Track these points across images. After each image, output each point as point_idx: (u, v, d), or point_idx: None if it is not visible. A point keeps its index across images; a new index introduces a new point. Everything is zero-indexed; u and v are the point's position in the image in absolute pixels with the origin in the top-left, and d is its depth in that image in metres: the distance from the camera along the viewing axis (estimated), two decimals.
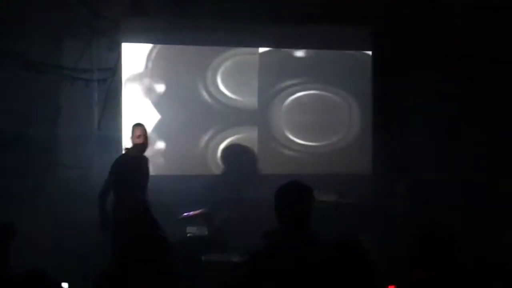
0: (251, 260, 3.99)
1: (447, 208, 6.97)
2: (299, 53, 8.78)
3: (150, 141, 7.06)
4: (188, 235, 7.13)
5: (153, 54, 8.28)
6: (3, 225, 3.68)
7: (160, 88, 8.32)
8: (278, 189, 4.00)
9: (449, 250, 3.57)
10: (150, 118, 8.19)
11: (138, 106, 8.20)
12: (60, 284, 4.92)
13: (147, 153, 7.02)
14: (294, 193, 4.01)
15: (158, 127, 8.22)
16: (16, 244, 3.79)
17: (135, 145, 6.80)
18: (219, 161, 8.53)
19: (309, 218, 3.98)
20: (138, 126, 6.87)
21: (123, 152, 7.09)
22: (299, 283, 3.66)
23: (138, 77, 8.23)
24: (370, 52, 8.94)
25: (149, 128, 8.03)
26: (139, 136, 6.77)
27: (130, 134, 6.86)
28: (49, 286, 4.18)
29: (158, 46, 8.30)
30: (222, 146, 8.51)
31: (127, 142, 7.14)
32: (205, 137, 8.48)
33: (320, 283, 3.47)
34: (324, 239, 4.02)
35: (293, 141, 8.73)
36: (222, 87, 8.51)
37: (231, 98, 8.55)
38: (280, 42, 8.65)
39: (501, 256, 5.70)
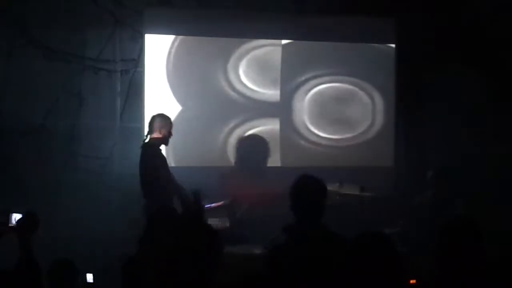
0: (271, 253, 4.02)
1: (472, 202, 6.91)
2: (322, 45, 8.72)
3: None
4: None
5: (176, 45, 8.26)
6: (26, 214, 3.68)
7: (182, 79, 8.31)
8: (294, 183, 4.08)
9: (474, 245, 3.54)
10: (172, 109, 8.19)
11: (160, 97, 8.19)
12: (85, 275, 4.95)
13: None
14: (310, 187, 4.07)
15: (179, 118, 8.21)
16: (38, 234, 3.78)
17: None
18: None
19: (323, 212, 4.04)
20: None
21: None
22: (318, 276, 3.67)
23: (161, 68, 8.22)
24: (393, 45, 8.88)
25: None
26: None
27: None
28: (74, 277, 4.20)
29: (181, 37, 8.28)
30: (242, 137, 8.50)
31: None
32: (227, 129, 8.46)
33: (340, 275, 3.47)
34: (333, 231, 4.05)
35: (315, 133, 8.68)
36: (244, 79, 8.48)
37: (253, 90, 8.52)
38: (303, 34, 8.59)
39: None
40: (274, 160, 8.55)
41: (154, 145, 6.96)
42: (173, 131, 7.15)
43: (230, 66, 8.45)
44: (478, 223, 3.57)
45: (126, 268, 3.46)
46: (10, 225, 3.66)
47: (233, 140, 8.45)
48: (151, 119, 7.08)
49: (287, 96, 8.64)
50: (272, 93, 8.57)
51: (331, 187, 7.46)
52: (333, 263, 3.66)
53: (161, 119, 7.04)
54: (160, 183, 6.69)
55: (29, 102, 7.94)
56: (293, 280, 3.78)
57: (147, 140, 7.02)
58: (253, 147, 8.48)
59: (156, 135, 6.99)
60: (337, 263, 3.60)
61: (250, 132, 8.50)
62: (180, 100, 8.27)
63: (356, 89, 8.81)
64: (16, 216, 3.66)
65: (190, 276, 2.94)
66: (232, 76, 8.46)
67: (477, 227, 3.56)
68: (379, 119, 8.88)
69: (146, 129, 7.29)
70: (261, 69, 8.55)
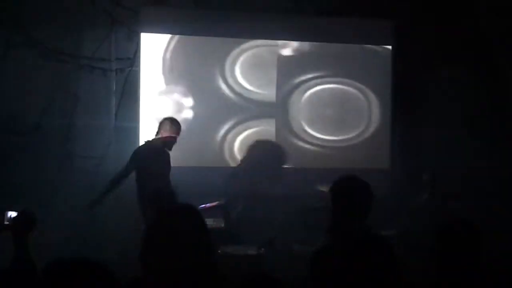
0: (315, 256, 3.96)
1: (467, 204, 6.92)
2: (319, 46, 8.71)
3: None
4: None
5: (172, 45, 8.25)
6: (22, 213, 3.64)
7: (178, 79, 8.29)
8: (340, 183, 3.99)
9: (472, 247, 3.53)
10: (167, 109, 8.17)
11: (156, 97, 8.17)
12: None
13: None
14: (355, 188, 3.98)
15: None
16: (33, 233, 3.76)
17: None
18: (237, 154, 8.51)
19: (368, 214, 3.95)
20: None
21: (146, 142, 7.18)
22: (363, 278, 3.63)
23: (157, 68, 8.20)
24: (390, 47, 8.87)
25: None
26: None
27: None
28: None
29: (177, 36, 8.27)
30: (240, 138, 8.48)
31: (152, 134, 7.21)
32: (223, 129, 8.45)
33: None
34: (378, 234, 4.00)
35: (311, 135, 8.68)
36: (240, 79, 8.47)
37: (249, 91, 8.50)
38: (300, 34, 8.58)
39: None
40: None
41: (151, 143, 7.02)
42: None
43: (226, 66, 8.44)
44: (475, 225, 3.57)
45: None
46: (5, 223, 3.62)
47: (229, 140, 8.44)
48: (161, 120, 7.19)
49: (283, 97, 8.63)
50: (268, 94, 8.55)
51: (327, 188, 7.51)
52: (378, 265, 3.62)
53: (168, 123, 7.12)
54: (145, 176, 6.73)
55: (24, 101, 7.91)
56: (338, 282, 3.73)
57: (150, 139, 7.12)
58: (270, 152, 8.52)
59: (159, 136, 7.08)
60: (381, 266, 3.57)
61: (247, 132, 8.50)
62: (176, 100, 8.26)
63: (352, 90, 8.80)
64: (11, 214, 3.62)
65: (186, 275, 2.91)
66: (228, 76, 8.44)
67: (475, 229, 3.55)
68: (375, 121, 8.87)
69: (143, 129, 7.35)
70: (257, 70, 8.53)
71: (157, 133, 7.12)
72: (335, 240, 3.94)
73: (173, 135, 7.08)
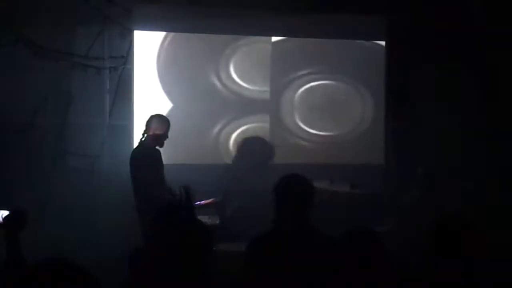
0: (251, 244, 4.03)
1: (462, 201, 6.92)
2: (313, 42, 8.71)
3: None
4: None
5: (166, 42, 8.24)
6: (14, 212, 3.63)
7: (173, 76, 8.28)
8: (277, 181, 4.09)
9: (465, 243, 3.54)
10: (162, 106, 8.16)
11: (150, 95, 8.16)
12: None
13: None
14: (291, 187, 4.07)
15: (169, 115, 8.16)
16: (26, 232, 3.75)
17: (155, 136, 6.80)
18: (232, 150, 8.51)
19: (306, 211, 4.02)
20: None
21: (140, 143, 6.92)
22: (298, 273, 3.67)
23: (150, 65, 8.19)
24: (383, 43, 8.88)
25: None
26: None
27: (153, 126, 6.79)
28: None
29: (171, 34, 8.27)
30: (234, 135, 8.48)
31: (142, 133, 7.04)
32: (217, 126, 8.45)
33: (327, 274, 3.47)
34: (322, 231, 4.04)
35: (305, 130, 8.69)
36: (234, 76, 8.47)
37: (243, 87, 8.51)
38: (294, 31, 8.59)
39: None
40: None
41: (144, 144, 6.80)
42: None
43: (220, 63, 8.44)
44: (470, 222, 3.57)
45: (132, 258, 3.42)
46: None
47: (223, 137, 8.44)
48: (148, 119, 6.84)
49: (277, 93, 8.63)
50: (262, 90, 8.55)
51: (321, 184, 7.53)
52: (311, 259, 3.67)
53: (157, 120, 6.81)
54: (146, 182, 6.58)
55: (17, 100, 7.89)
56: (270, 276, 3.79)
57: (143, 139, 6.82)
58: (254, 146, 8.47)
59: (150, 135, 6.77)
60: (315, 260, 3.60)
61: (242, 129, 8.50)
62: (170, 97, 8.25)
63: (346, 86, 8.81)
64: (3, 213, 3.62)
65: (184, 274, 2.91)
66: (222, 73, 8.44)
67: (469, 226, 3.56)
68: (369, 117, 8.88)
69: (137, 127, 7.29)
70: (251, 66, 8.54)
71: (145, 132, 6.79)
72: (272, 230, 4.03)
73: (163, 132, 6.79)
